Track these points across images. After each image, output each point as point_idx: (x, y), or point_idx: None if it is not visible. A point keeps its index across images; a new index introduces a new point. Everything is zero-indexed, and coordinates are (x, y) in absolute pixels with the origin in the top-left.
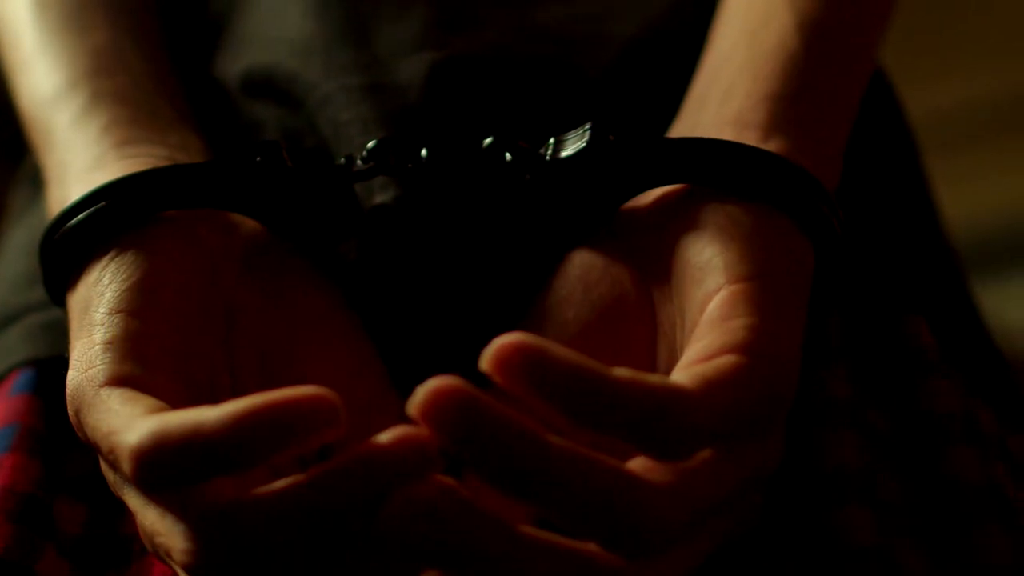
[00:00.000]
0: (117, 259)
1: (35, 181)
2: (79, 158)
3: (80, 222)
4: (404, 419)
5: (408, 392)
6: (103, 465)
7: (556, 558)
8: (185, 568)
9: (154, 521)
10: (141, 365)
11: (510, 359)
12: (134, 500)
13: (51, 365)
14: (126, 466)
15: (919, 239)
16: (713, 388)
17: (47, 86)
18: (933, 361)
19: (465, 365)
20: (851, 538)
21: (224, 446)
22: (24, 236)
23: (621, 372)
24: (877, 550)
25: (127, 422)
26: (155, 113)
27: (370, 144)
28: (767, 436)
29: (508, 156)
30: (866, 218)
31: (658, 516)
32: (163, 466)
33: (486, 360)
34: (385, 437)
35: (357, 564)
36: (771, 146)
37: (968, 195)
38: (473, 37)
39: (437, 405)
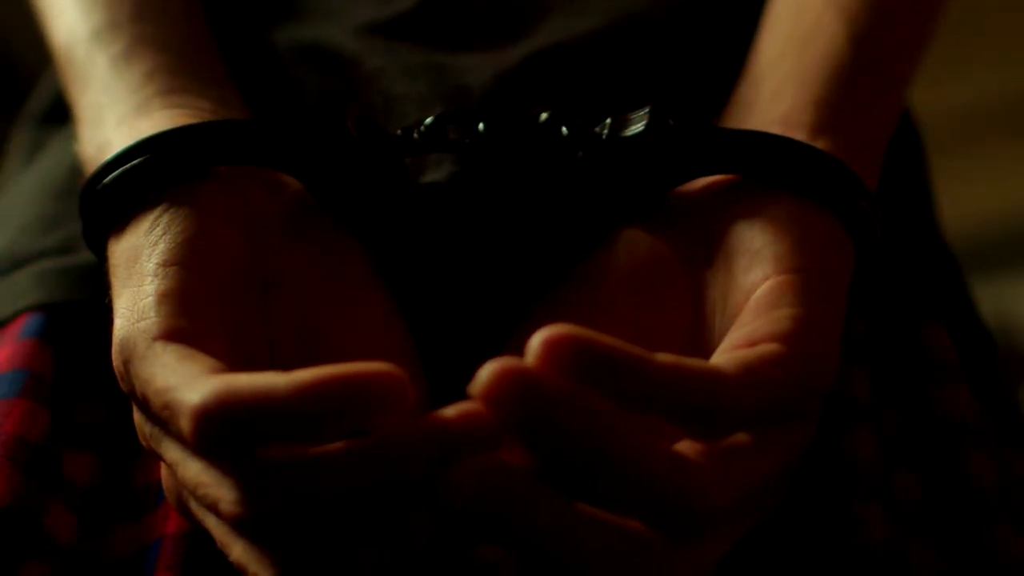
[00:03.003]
0: (171, 211)
1: (41, 124)
2: (121, 102)
3: (131, 169)
4: (432, 397)
5: (436, 369)
6: (137, 417)
7: (608, 535)
8: (233, 520)
9: (198, 472)
10: (193, 320)
11: (558, 351)
12: (174, 453)
13: (63, 312)
14: (185, 423)
15: (929, 245)
16: (753, 373)
17: (86, 25)
18: (951, 367)
19: (499, 344)
20: (864, 533)
21: (293, 414)
22: (37, 178)
23: (664, 357)
24: (889, 546)
25: (187, 380)
26: (196, 65)
27: (428, 119)
28: (802, 424)
29: (564, 131)
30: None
31: (704, 499)
32: (227, 428)
33: (533, 352)
34: (451, 411)
35: (410, 533)
36: (818, 145)
37: (979, 193)
38: (533, 37)
39: (501, 386)
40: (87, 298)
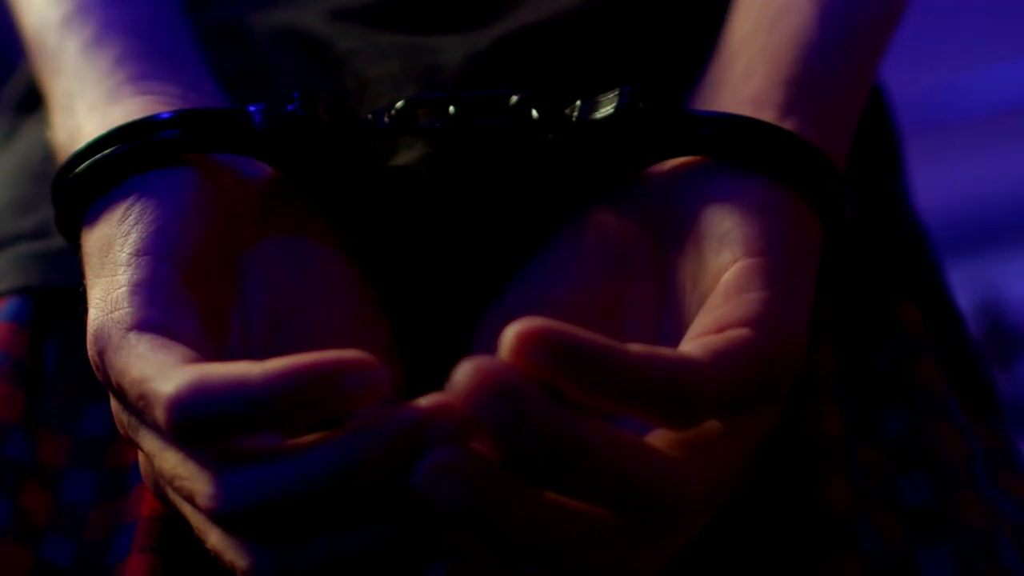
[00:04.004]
0: (142, 200)
1: (19, 109)
2: (91, 89)
3: (102, 160)
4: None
5: (412, 351)
6: (115, 406)
7: (578, 525)
8: (209, 513)
9: (175, 465)
10: (167, 311)
11: (532, 345)
12: (151, 443)
13: (40, 295)
14: (160, 414)
15: (899, 221)
16: (723, 360)
17: (56, 11)
18: (919, 341)
19: (471, 326)
20: (829, 505)
21: (267, 403)
22: (13, 162)
23: (636, 348)
24: (855, 517)
25: (161, 370)
26: (167, 49)
27: (399, 104)
28: (771, 407)
29: (535, 114)
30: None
31: (679, 491)
32: (202, 417)
33: (506, 347)
34: (424, 402)
35: (382, 524)
36: (787, 126)
37: (976, 173)
38: (508, 19)
39: (479, 388)
40: (63, 282)
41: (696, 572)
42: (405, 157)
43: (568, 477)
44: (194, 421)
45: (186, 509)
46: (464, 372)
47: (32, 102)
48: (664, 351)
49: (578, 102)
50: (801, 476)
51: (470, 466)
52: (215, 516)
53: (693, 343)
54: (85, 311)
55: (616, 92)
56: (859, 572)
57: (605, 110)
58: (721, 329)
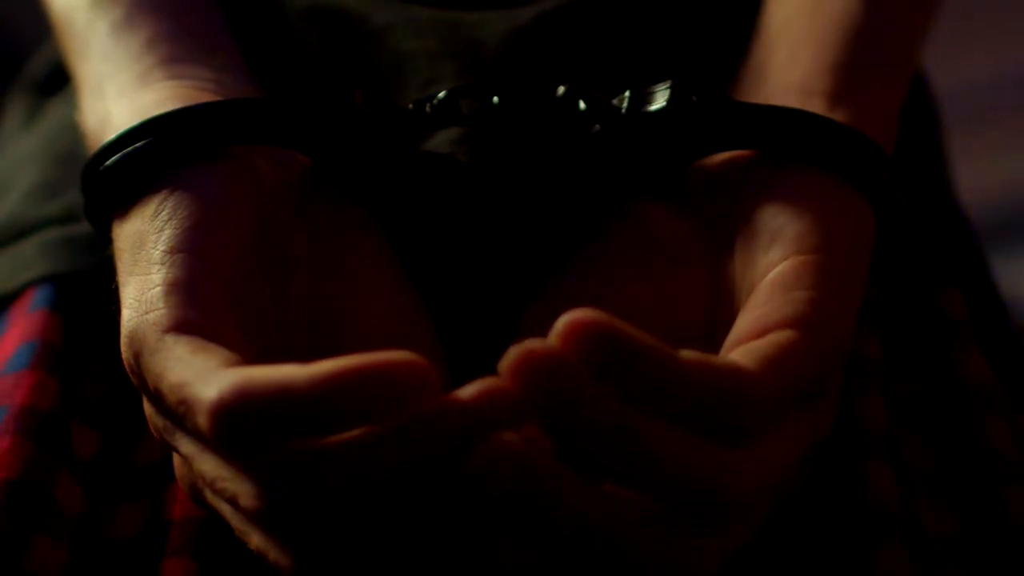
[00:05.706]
0: (177, 194)
1: (41, 90)
2: (121, 72)
3: (134, 152)
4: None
5: (453, 345)
6: (149, 410)
7: (633, 515)
8: (253, 514)
9: (215, 467)
10: (204, 311)
11: (582, 335)
12: (189, 447)
13: (70, 280)
14: (202, 420)
15: (944, 209)
16: (774, 368)
17: None
18: (966, 331)
19: (513, 321)
20: (874, 495)
21: (313, 408)
22: (38, 143)
23: (688, 355)
24: (901, 508)
25: (201, 374)
26: (197, 30)
27: (441, 95)
28: (824, 402)
29: (582, 105)
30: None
31: (730, 489)
32: (246, 423)
33: (556, 334)
34: (469, 390)
35: (433, 519)
36: (837, 115)
37: (997, 168)
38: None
39: (527, 368)
40: (91, 267)
41: (741, 563)
42: (444, 136)
43: (615, 464)
44: (238, 427)
45: (226, 511)
46: (513, 352)
47: (56, 83)
48: (717, 362)
49: (627, 93)
50: (845, 466)
51: (523, 452)
52: (258, 516)
53: (742, 351)
54: (116, 300)
55: (668, 84)
56: (904, 564)
57: (657, 103)
58: (764, 330)
